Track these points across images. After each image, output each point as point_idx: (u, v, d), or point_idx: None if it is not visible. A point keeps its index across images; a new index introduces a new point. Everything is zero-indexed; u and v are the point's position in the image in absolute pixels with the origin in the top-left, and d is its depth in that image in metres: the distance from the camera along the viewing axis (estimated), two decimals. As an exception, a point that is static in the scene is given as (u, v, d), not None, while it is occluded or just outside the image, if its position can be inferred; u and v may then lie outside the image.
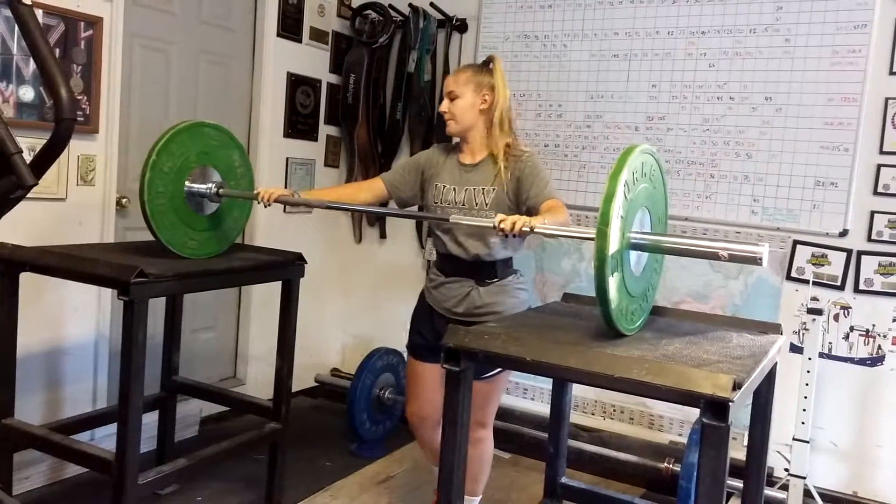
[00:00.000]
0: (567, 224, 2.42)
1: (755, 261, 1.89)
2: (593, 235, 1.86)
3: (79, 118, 3.04)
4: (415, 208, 2.89)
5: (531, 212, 2.47)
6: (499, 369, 2.59)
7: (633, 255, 2.01)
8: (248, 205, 3.00)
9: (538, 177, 2.55)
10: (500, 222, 2.20)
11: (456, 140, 2.77)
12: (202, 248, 2.79)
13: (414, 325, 2.84)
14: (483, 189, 2.60)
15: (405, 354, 4.06)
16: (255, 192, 2.76)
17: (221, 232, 2.89)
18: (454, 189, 2.65)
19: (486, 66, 2.67)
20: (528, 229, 2.18)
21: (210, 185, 2.78)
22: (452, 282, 2.69)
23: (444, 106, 2.66)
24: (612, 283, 1.87)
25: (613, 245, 1.84)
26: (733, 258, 1.93)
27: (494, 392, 2.70)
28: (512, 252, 2.70)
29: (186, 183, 2.72)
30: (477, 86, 2.62)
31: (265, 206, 2.73)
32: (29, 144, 2.76)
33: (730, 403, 1.57)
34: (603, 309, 1.91)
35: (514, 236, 2.25)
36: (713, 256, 1.97)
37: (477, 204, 2.60)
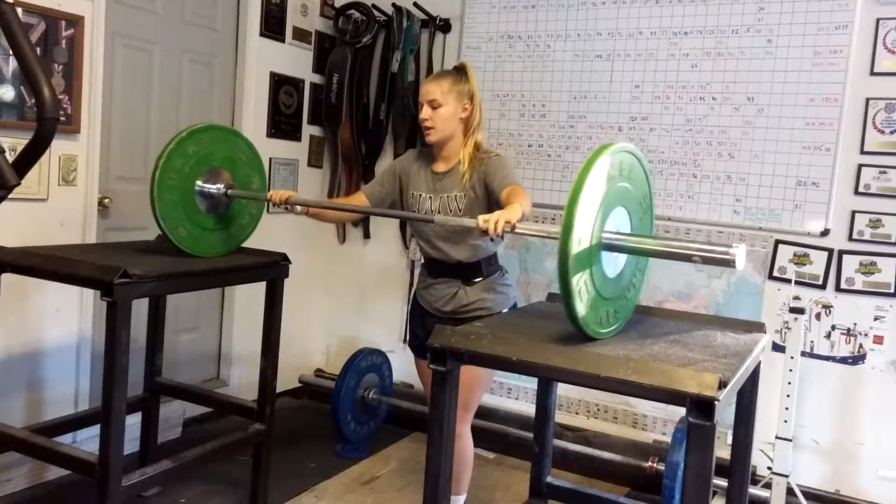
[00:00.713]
0: (528, 208, 2.39)
1: (729, 263, 1.85)
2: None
3: (60, 118, 3.03)
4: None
5: (497, 203, 2.50)
6: None
7: (610, 255, 1.95)
8: (255, 219, 3.03)
9: (502, 169, 2.58)
10: (483, 223, 2.20)
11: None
12: (191, 241, 2.77)
13: (410, 325, 2.94)
14: (455, 195, 2.65)
15: (389, 355, 4.09)
16: (267, 193, 2.82)
17: (221, 236, 2.89)
18: (430, 198, 2.71)
19: (460, 73, 2.68)
20: (509, 229, 2.18)
21: (220, 185, 2.82)
22: (440, 283, 2.75)
23: (426, 114, 2.65)
24: (577, 291, 1.81)
25: (578, 247, 1.78)
26: (706, 261, 1.89)
27: (475, 386, 2.70)
28: (494, 249, 2.75)
29: (198, 182, 2.77)
30: (458, 95, 2.65)
31: (277, 206, 2.77)
32: (9, 144, 2.73)
33: (716, 402, 1.58)
34: (570, 315, 1.86)
35: (500, 237, 2.26)
36: (686, 259, 1.93)
37: (451, 211, 2.66)
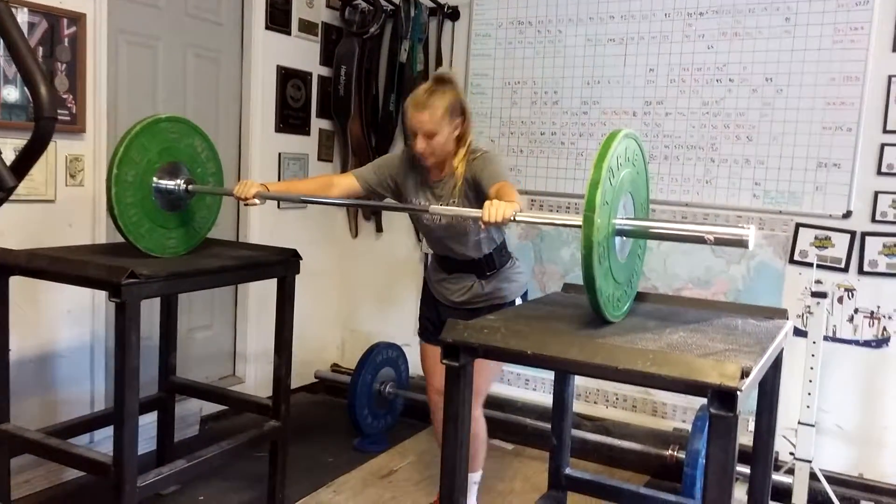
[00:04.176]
0: (519, 202, 2.36)
1: (741, 243, 1.86)
2: (578, 223, 1.82)
3: (65, 117, 3.01)
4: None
5: (487, 198, 2.45)
6: None
7: (618, 241, 1.98)
8: (214, 210, 2.90)
9: (489, 165, 2.57)
10: (486, 214, 2.15)
11: None
12: (182, 245, 2.74)
13: (422, 312, 2.96)
14: (452, 203, 2.65)
15: (405, 348, 4.06)
16: (231, 190, 2.65)
17: (196, 224, 2.80)
18: (427, 205, 2.68)
19: (444, 85, 2.58)
20: (511, 216, 2.14)
21: (178, 181, 2.67)
22: (454, 278, 2.79)
23: (421, 146, 2.55)
24: (600, 271, 1.84)
25: (601, 232, 1.80)
26: (719, 241, 1.91)
27: (483, 371, 2.66)
28: (501, 238, 2.77)
29: (154, 180, 2.61)
30: (450, 115, 2.55)
31: (245, 204, 2.64)
32: (16, 146, 2.71)
33: (738, 393, 1.53)
34: (590, 297, 1.89)
35: (499, 227, 2.24)
36: (699, 240, 1.94)
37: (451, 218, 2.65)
